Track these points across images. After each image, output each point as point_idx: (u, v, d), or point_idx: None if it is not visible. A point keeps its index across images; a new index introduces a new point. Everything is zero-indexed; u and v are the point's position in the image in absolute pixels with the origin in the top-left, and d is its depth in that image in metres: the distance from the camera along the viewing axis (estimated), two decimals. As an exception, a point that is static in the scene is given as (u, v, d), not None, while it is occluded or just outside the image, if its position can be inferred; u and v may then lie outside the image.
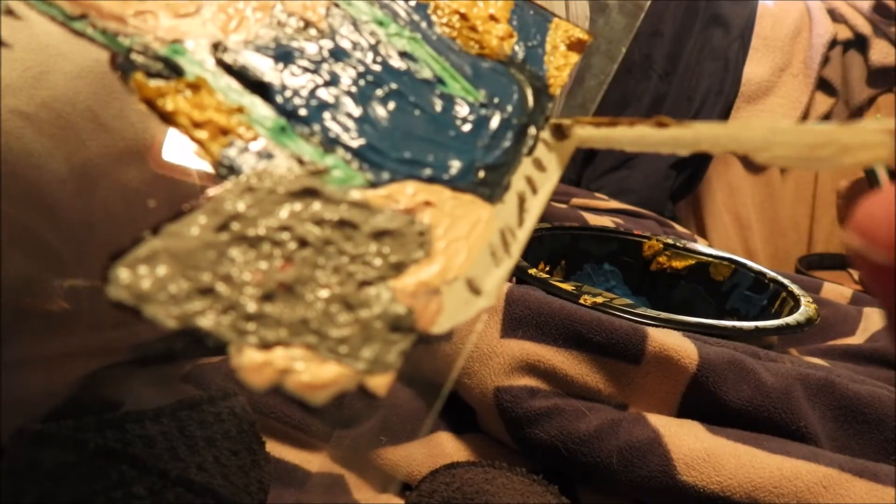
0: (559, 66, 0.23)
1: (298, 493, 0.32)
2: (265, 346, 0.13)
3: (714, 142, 0.16)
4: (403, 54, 0.20)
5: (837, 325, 0.53)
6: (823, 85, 1.09)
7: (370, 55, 0.20)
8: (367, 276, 0.15)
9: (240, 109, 0.17)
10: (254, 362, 0.13)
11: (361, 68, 0.19)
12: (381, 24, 0.21)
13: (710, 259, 0.55)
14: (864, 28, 1.08)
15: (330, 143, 0.17)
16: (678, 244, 0.56)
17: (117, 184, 0.30)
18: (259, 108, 0.17)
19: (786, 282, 0.50)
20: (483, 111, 0.20)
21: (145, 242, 0.14)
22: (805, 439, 0.32)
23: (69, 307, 0.31)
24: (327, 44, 0.19)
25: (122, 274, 0.13)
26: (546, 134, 0.20)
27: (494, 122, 0.20)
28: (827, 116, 1.08)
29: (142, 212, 0.31)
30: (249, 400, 0.32)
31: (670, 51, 1.10)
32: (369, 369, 0.13)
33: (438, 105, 0.20)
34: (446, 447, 0.34)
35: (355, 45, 0.20)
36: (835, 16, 1.12)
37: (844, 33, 1.09)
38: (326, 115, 0.18)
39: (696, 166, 1.06)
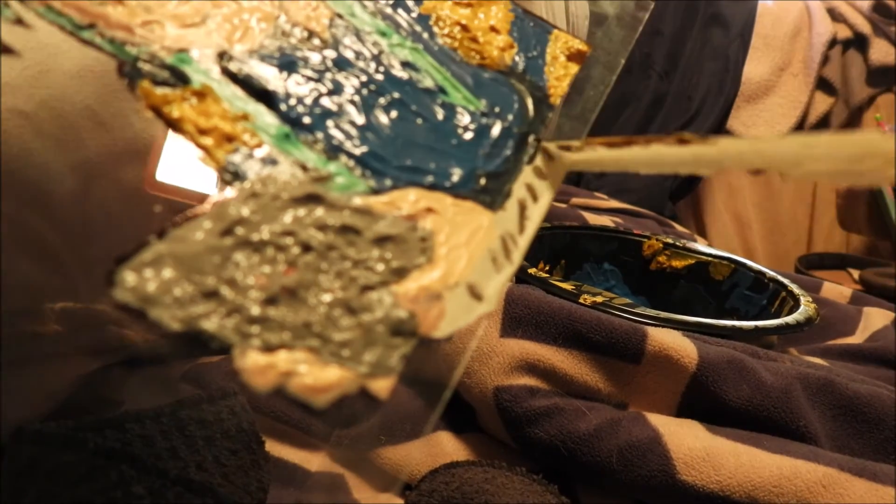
0: (559, 76, 0.23)
1: (298, 492, 0.32)
2: (268, 349, 0.13)
3: (739, 159, 0.15)
4: (406, 64, 0.20)
5: (837, 325, 0.53)
6: (823, 84, 1.09)
7: (373, 65, 0.20)
8: (370, 281, 0.15)
9: (244, 117, 0.17)
10: (257, 365, 0.13)
11: (364, 77, 0.19)
12: (383, 34, 0.21)
13: (710, 258, 0.55)
14: (864, 27, 1.08)
15: (333, 151, 0.17)
16: (678, 243, 0.57)
17: (117, 183, 0.30)
18: (263, 115, 0.17)
19: (785, 281, 0.50)
20: (484, 120, 0.20)
21: (151, 246, 0.14)
22: (805, 439, 0.33)
23: (69, 307, 0.32)
24: (331, 53, 0.19)
25: (128, 277, 0.13)
26: (541, 158, 0.20)
27: (495, 130, 0.20)
28: (826, 116, 1.08)
29: (141, 211, 0.31)
30: (249, 399, 0.32)
31: (670, 50, 1.10)
32: (371, 373, 0.13)
33: (440, 114, 0.20)
34: (446, 447, 0.34)
35: (358, 55, 0.20)
36: (834, 15, 1.12)
37: (844, 32, 1.10)
38: (330, 122, 0.18)
39: (696, 166, 1.06)
